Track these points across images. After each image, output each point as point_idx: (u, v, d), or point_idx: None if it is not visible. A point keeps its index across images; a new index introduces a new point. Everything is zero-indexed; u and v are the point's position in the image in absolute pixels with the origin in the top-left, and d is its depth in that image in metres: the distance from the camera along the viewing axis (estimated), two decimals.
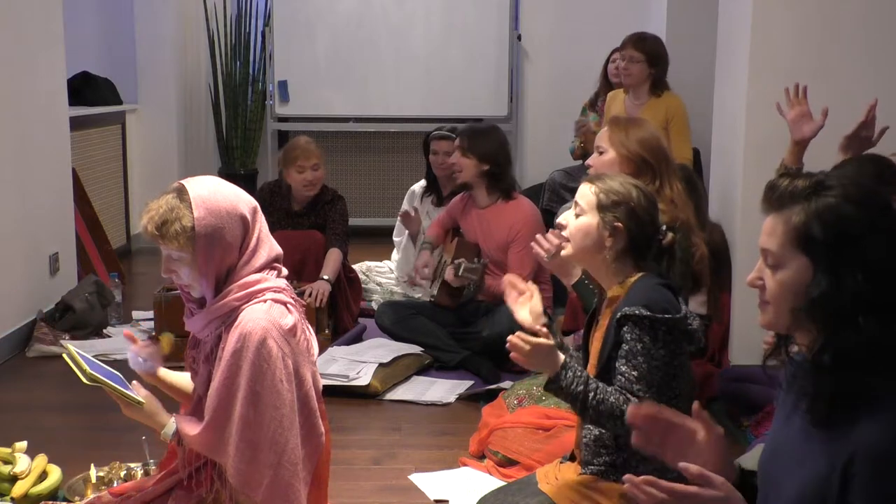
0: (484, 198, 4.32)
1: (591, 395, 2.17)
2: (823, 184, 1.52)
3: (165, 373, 2.44)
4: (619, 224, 2.29)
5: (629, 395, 2.17)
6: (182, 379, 2.45)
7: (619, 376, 2.20)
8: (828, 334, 1.48)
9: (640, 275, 2.31)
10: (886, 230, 1.48)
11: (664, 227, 2.39)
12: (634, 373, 2.18)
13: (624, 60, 4.80)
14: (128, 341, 2.38)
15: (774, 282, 1.54)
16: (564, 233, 2.39)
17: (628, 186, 2.35)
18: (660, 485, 1.48)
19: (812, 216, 1.49)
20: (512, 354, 2.21)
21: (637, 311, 2.18)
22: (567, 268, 2.85)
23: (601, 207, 2.31)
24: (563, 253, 2.42)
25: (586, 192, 2.36)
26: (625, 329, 2.20)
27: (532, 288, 2.41)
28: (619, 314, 2.21)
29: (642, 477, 1.51)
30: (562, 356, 2.23)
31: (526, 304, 2.40)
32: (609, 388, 2.19)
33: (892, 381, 1.45)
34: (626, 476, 1.56)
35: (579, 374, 2.20)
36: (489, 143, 4.30)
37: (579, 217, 2.36)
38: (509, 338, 2.20)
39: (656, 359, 2.18)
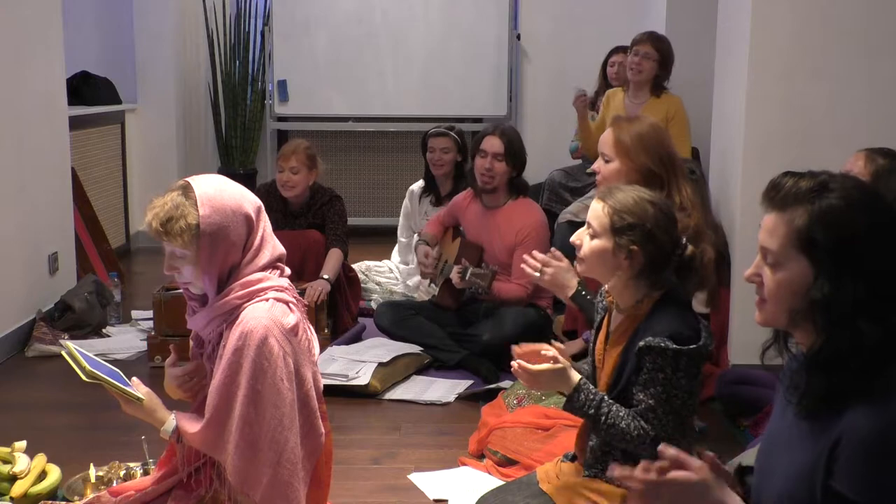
0: (498, 199, 4.32)
1: (603, 418, 2.20)
2: (827, 185, 1.52)
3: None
4: (636, 247, 2.22)
5: (641, 422, 2.17)
6: None
7: (636, 402, 2.20)
8: (826, 336, 1.49)
9: (659, 293, 2.25)
10: (888, 234, 1.49)
11: (684, 241, 2.32)
12: (651, 401, 2.17)
13: (637, 56, 4.79)
14: None
15: (773, 281, 1.55)
16: (579, 253, 2.34)
17: (643, 204, 2.24)
18: (634, 476, 1.52)
19: (815, 219, 1.50)
20: (519, 380, 2.28)
21: (662, 344, 2.14)
22: (560, 284, 2.86)
23: (615, 231, 2.24)
24: (578, 270, 2.40)
25: (599, 213, 2.28)
26: (647, 358, 2.17)
27: (557, 346, 2.35)
28: (642, 343, 2.17)
29: (618, 472, 1.56)
30: (575, 377, 2.24)
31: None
32: (621, 413, 2.19)
33: (881, 375, 1.46)
34: (613, 473, 1.59)
35: (591, 396, 2.22)
36: (523, 150, 4.34)
37: (593, 239, 2.29)
38: (512, 364, 2.26)
39: (677, 388, 2.16)
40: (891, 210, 1.52)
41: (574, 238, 2.38)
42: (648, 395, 2.17)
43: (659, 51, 4.78)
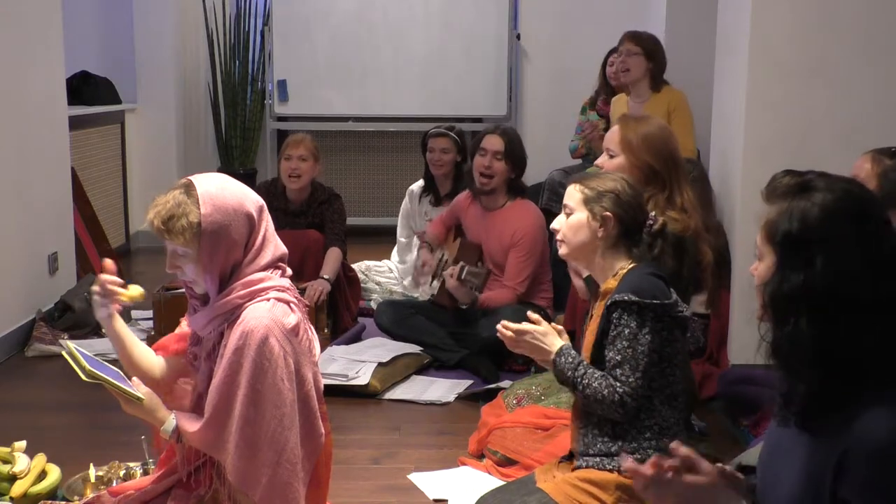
0: (497, 200, 4.32)
1: (580, 379, 2.28)
2: (808, 185, 1.55)
3: (121, 325, 2.39)
4: (608, 213, 2.36)
5: (612, 380, 2.25)
6: (133, 341, 2.39)
7: (607, 361, 2.28)
8: (775, 331, 1.52)
9: (631, 266, 2.37)
10: (847, 239, 1.49)
11: (653, 213, 2.47)
12: (618, 357, 2.26)
13: (621, 55, 4.80)
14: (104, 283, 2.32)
15: (757, 273, 1.60)
16: (558, 236, 2.46)
17: (612, 179, 2.44)
18: (644, 472, 1.52)
19: (783, 214, 1.54)
20: (507, 343, 2.36)
21: (626, 297, 2.26)
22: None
23: (588, 201, 2.40)
24: (560, 253, 2.47)
25: (572, 193, 2.45)
26: (614, 315, 2.28)
27: (527, 325, 2.40)
28: (609, 302, 2.29)
29: (629, 464, 1.56)
30: (558, 343, 2.34)
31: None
32: (596, 374, 2.28)
33: (874, 387, 1.46)
34: (623, 465, 1.59)
35: (571, 359, 2.31)
36: (523, 151, 4.34)
37: (569, 216, 2.43)
38: (497, 326, 2.36)
39: (642, 344, 2.25)
40: (863, 218, 1.51)
41: (553, 225, 2.50)
42: (616, 351, 2.27)
43: (640, 45, 4.77)
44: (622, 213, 2.37)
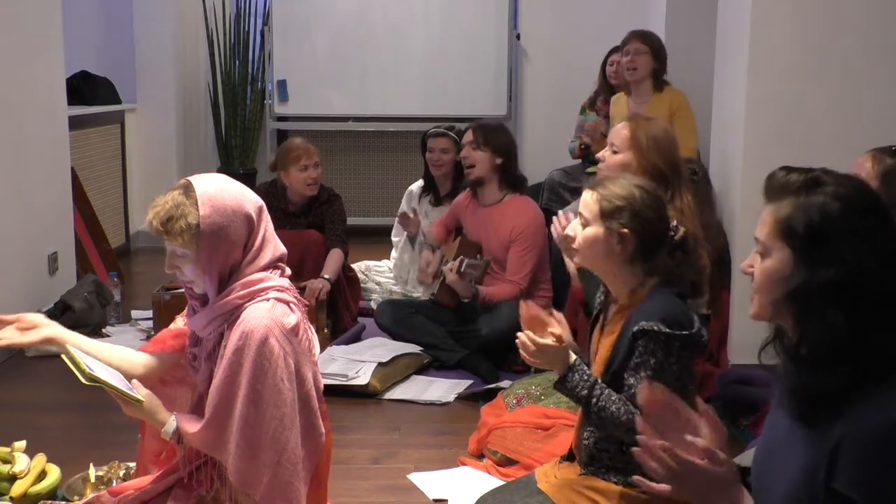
0: (492, 194, 4.33)
1: (595, 400, 2.21)
2: (818, 180, 1.55)
3: (65, 338, 2.30)
4: (626, 230, 2.26)
5: (631, 406, 2.17)
6: (97, 347, 2.34)
7: (627, 388, 2.21)
8: (801, 327, 1.51)
9: (652, 283, 2.28)
10: (867, 232, 1.50)
11: (674, 223, 2.36)
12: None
13: (628, 55, 4.80)
14: None
15: (759, 270, 1.58)
16: (574, 244, 2.36)
17: (630, 188, 2.30)
18: (674, 453, 1.49)
19: (798, 209, 1.53)
20: (521, 353, 2.26)
21: (655, 327, 2.17)
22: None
23: (605, 215, 2.28)
24: (575, 260, 2.41)
25: (588, 202, 2.32)
26: (640, 342, 2.19)
27: (559, 317, 2.35)
28: (636, 328, 2.19)
29: (659, 442, 1.51)
30: (572, 357, 2.26)
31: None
32: (614, 396, 2.20)
33: (872, 381, 1.46)
34: (641, 437, 1.54)
35: (585, 377, 2.23)
36: (501, 136, 4.36)
37: (585, 228, 2.32)
38: (518, 335, 2.25)
39: (668, 373, 2.17)
40: (876, 209, 1.53)
41: (568, 230, 2.41)
42: (639, 379, 2.17)
43: (648, 44, 4.79)
44: (640, 229, 2.26)
